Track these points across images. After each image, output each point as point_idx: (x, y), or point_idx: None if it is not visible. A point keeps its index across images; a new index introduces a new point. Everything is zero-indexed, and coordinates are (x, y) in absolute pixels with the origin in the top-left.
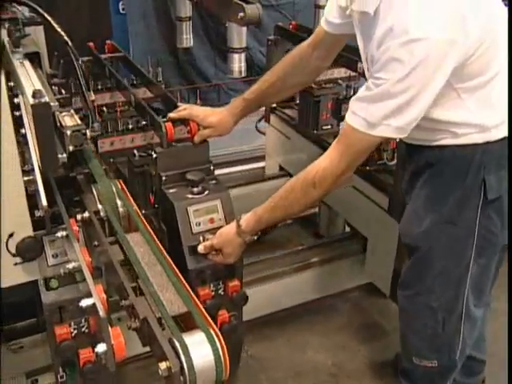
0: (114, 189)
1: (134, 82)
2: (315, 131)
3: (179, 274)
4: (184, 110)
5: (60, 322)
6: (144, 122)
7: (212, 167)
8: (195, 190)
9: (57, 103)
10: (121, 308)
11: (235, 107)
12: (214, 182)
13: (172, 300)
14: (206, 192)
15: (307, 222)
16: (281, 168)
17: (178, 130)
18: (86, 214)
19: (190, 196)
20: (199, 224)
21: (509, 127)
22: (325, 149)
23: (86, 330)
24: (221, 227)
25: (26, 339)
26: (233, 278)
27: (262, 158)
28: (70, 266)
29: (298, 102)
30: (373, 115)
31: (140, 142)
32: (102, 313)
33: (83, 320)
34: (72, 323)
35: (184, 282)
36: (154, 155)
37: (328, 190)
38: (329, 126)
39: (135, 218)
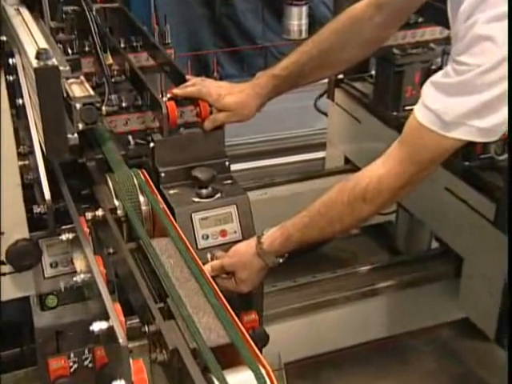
0: (136, 180)
1: (135, 45)
2: (396, 113)
3: (220, 294)
4: (193, 85)
5: (56, 352)
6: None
7: (228, 162)
8: (203, 192)
9: (68, 67)
10: (142, 335)
11: (261, 86)
12: (228, 182)
13: (211, 327)
14: (218, 195)
15: (379, 231)
16: (346, 160)
17: (183, 112)
18: (99, 213)
19: (195, 200)
20: (206, 237)
21: (509, 127)
22: None
23: (90, 365)
24: (235, 243)
25: (5, 376)
26: (248, 311)
27: (321, 147)
28: (78, 278)
29: (373, 72)
30: (450, 111)
31: (136, 126)
32: (122, 340)
33: (87, 351)
34: (72, 354)
35: (226, 303)
36: (151, 144)
37: (383, 206)
38: (414, 106)
39: (164, 218)
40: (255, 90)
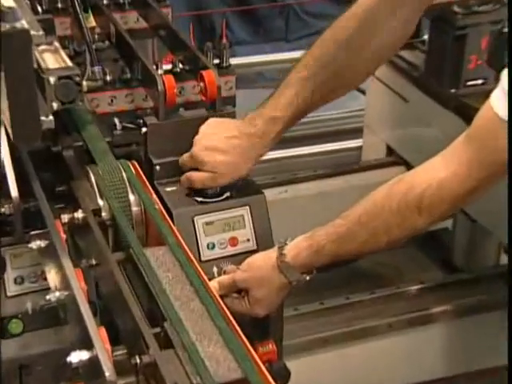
0: (125, 174)
1: (122, 1)
2: (455, 90)
3: (231, 317)
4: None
5: None
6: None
7: None
8: (209, 190)
9: (42, 32)
10: (132, 369)
11: (259, 135)
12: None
13: (219, 358)
14: (227, 194)
15: (431, 241)
16: (389, 150)
17: (183, 88)
18: (79, 215)
19: (198, 199)
20: (212, 246)
21: (509, 127)
22: (470, 121)
23: None
24: (249, 254)
25: None
26: (265, 340)
27: (357, 133)
28: (52, 296)
29: (425, 37)
30: None
31: (125, 105)
32: (109, 373)
33: None
34: None
35: (238, 328)
36: (144, 129)
37: (441, 217)
38: (479, 81)
39: (159, 223)
40: (252, 141)
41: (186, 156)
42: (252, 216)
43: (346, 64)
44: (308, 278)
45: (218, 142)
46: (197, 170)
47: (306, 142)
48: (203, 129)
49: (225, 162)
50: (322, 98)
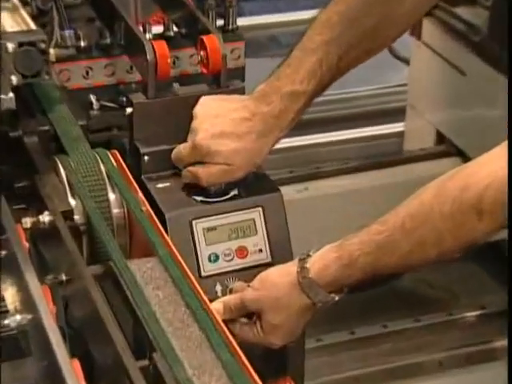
0: (103, 167)
1: None
2: None
3: (237, 348)
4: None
5: None
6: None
7: None
8: (211, 187)
9: None
10: None
11: (275, 115)
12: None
13: None
14: (234, 192)
15: (495, 254)
16: (439, 137)
17: (178, 58)
18: (45, 218)
19: (198, 198)
20: (215, 258)
21: (509, 127)
22: None
23: None
24: (262, 268)
25: None
26: (280, 379)
27: (397, 115)
28: (11, 321)
29: None
30: None
31: (104, 79)
32: None
33: None
34: None
35: (246, 362)
36: (129, 109)
37: (505, 222)
38: None
39: (147, 228)
40: (266, 123)
41: (184, 148)
42: (266, 220)
43: (380, 18)
44: (337, 298)
45: (226, 126)
46: (199, 163)
47: (331, 125)
48: (200, 111)
49: (241, 149)
50: (350, 64)
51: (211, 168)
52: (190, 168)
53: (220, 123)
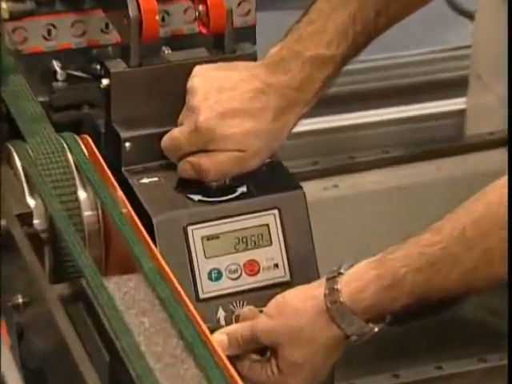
0: (72, 158)
1: None
2: None
3: None
4: None
5: None
6: None
7: None
8: (212, 183)
9: None
10: None
11: (296, 87)
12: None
13: None
14: (242, 189)
15: None
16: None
17: (169, 13)
18: None
19: (195, 198)
20: (218, 275)
21: (508, 127)
22: None
23: None
24: (279, 289)
25: None
26: None
27: (457, 88)
28: None
29: None
30: None
31: (70, 40)
32: None
33: None
34: None
35: None
36: (104, 81)
37: None
38: None
39: (129, 236)
40: (285, 96)
41: (181, 133)
42: (283, 226)
43: None
44: (376, 329)
45: (235, 103)
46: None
47: (368, 102)
48: (200, 84)
49: (256, 131)
50: (390, 19)
51: (219, 156)
52: (191, 158)
53: (227, 99)
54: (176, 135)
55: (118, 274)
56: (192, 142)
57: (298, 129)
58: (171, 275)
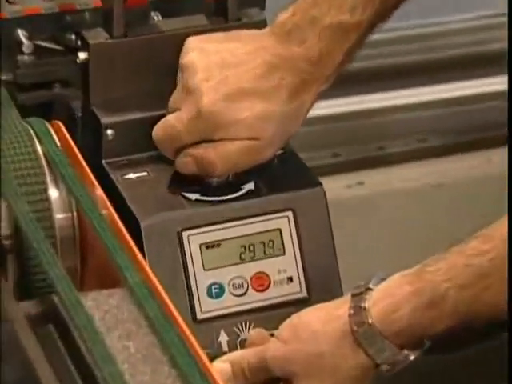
0: (41, 148)
1: None
2: None
3: None
4: None
5: None
6: None
7: None
8: (213, 178)
9: None
10: None
11: (314, 61)
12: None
13: None
14: (248, 187)
15: None
16: None
17: None
18: None
19: (191, 197)
20: (219, 291)
21: (508, 127)
22: None
23: None
24: (294, 308)
25: None
26: None
27: (493, 66)
28: None
29: None
30: None
31: (38, 4)
32: None
33: None
34: None
35: None
36: (82, 55)
37: None
38: None
39: (110, 243)
40: (299, 72)
41: (178, 120)
42: (299, 231)
43: None
44: (412, 357)
45: (243, 81)
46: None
47: (398, 80)
48: (199, 60)
49: (271, 114)
50: None
51: (228, 146)
52: (192, 150)
53: (233, 77)
54: (172, 123)
55: (96, 289)
56: (193, 130)
57: (316, 112)
58: (162, 291)
